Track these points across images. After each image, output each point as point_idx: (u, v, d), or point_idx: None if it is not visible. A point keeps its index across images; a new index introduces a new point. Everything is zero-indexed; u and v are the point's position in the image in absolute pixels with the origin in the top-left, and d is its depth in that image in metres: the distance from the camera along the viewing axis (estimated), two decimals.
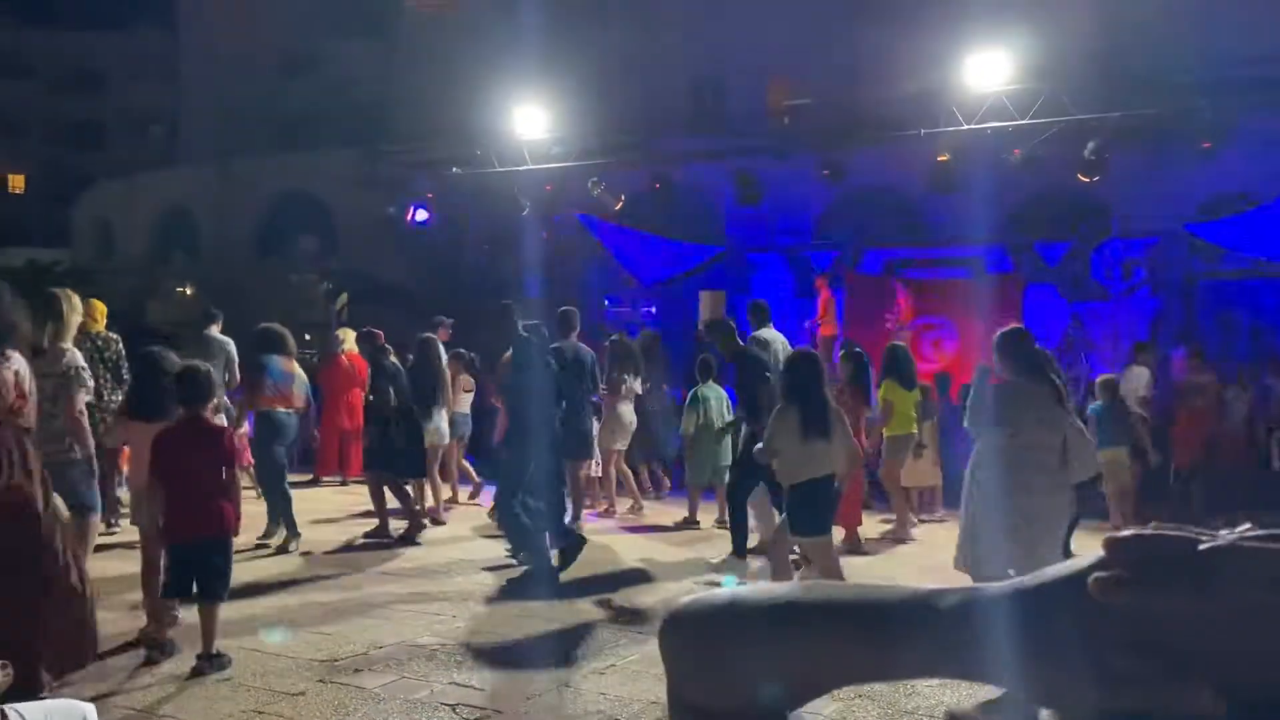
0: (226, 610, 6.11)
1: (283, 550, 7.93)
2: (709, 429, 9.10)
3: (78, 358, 6.05)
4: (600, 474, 9.99)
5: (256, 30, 32.66)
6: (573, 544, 7.29)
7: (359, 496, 11.41)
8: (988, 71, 11.58)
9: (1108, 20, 16.51)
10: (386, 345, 9.16)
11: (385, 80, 27.96)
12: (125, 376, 8.42)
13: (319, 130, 28.29)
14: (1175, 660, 0.53)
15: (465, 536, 8.79)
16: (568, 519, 8.42)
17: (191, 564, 5.12)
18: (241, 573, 7.22)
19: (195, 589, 5.12)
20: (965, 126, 11.91)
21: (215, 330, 9.48)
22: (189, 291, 24.44)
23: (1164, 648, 0.53)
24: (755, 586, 0.74)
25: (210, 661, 5.04)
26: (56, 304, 6.05)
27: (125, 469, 7.74)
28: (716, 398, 9.19)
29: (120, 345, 8.40)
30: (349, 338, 10.96)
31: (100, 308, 8.38)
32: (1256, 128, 11.88)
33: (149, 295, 24.67)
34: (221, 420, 7.64)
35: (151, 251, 26.36)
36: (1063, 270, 14.44)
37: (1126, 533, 0.57)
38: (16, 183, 49.03)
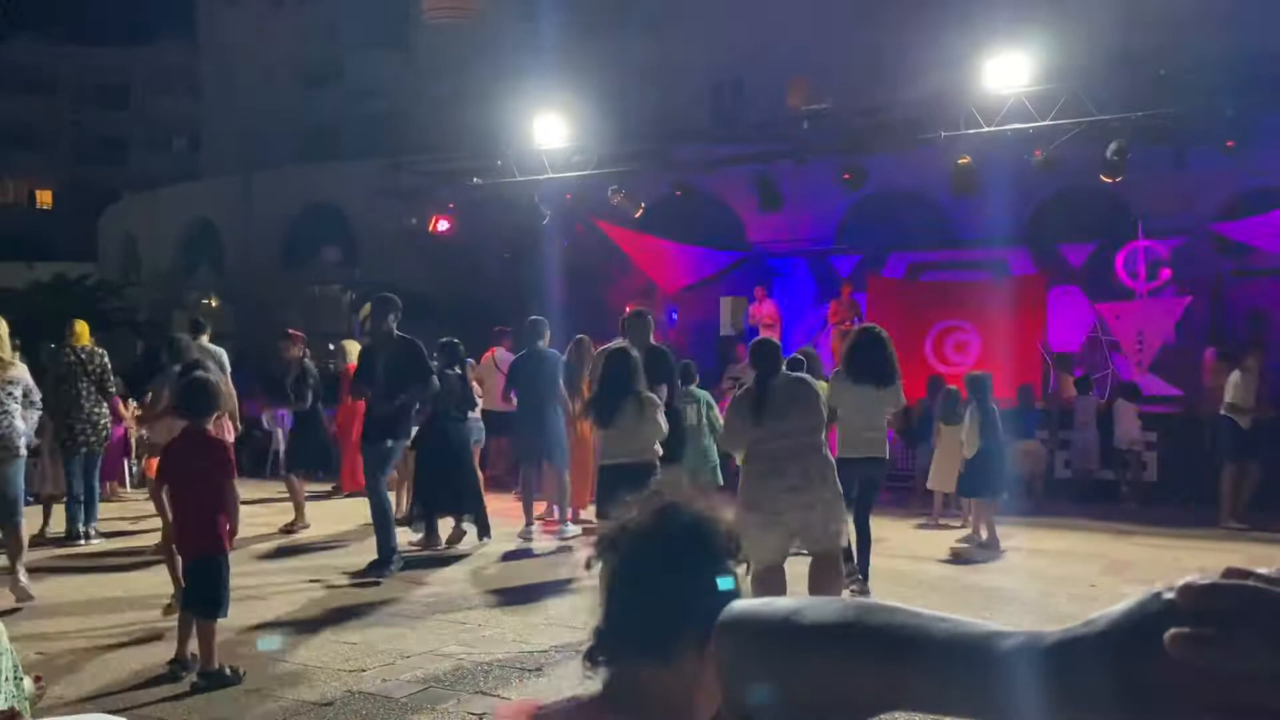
0: (253, 619, 6.17)
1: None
2: (691, 433, 9.17)
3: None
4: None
5: (278, 43, 32.96)
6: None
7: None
8: (1008, 73, 11.53)
9: (1128, 20, 16.41)
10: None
11: (406, 91, 28.12)
12: (111, 389, 8.92)
13: (340, 141, 28.50)
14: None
15: (487, 546, 8.81)
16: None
17: (189, 580, 5.18)
18: (268, 582, 7.29)
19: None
20: (986, 128, 11.85)
21: (204, 340, 9.70)
22: (214, 303, 24.63)
23: (1246, 710, 0.49)
24: (813, 601, 0.74)
25: (209, 678, 4.99)
26: None
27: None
28: (698, 401, 9.30)
29: (105, 359, 8.88)
30: (353, 351, 11.14)
31: (83, 326, 8.99)
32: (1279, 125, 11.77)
33: (174, 307, 24.90)
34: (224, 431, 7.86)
35: (176, 264, 26.60)
36: (1086, 271, 14.35)
37: (1203, 581, 0.52)
38: (44, 198, 49.61)
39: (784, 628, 0.71)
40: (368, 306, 20.76)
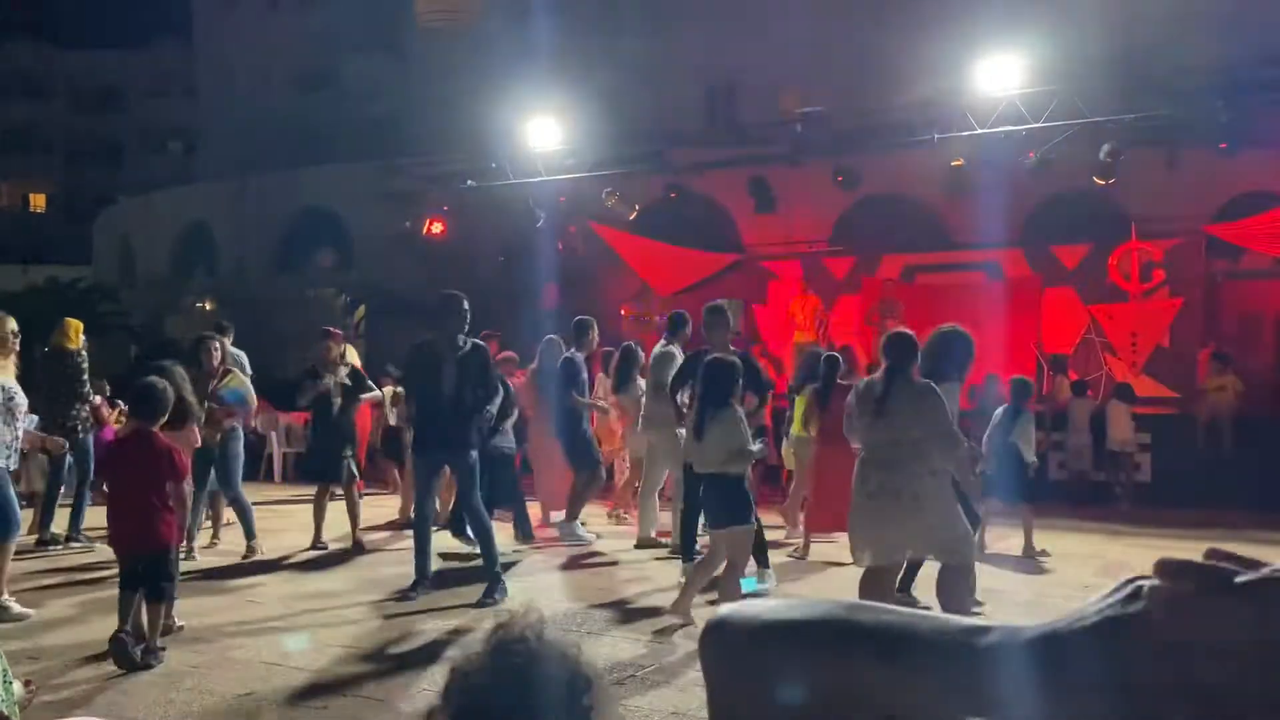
0: (247, 622, 6.16)
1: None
2: None
3: None
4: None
5: (273, 47, 32.95)
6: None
7: (376, 509, 11.46)
8: (1000, 75, 11.55)
9: (1120, 22, 16.44)
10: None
11: (400, 94, 28.11)
12: (83, 390, 8.61)
13: (335, 145, 28.45)
14: (1215, 702, 0.50)
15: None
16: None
17: (135, 574, 5.44)
18: (263, 584, 7.28)
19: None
20: (979, 130, 11.88)
21: (228, 342, 9.55)
22: (209, 307, 24.59)
23: (1205, 689, 0.50)
24: (799, 602, 0.74)
25: (153, 654, 5.33)
26: None
27: None
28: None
29: (78, 360, 8.56)
30: (351, 354, 11.05)
31: (75, 325, 8.71)
32: (1273, 127, 11.80)
33: (169, 311, 24.86)
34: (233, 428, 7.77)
35: (171, 267, 26.57)
36: (1080, 273, 14.38)
37: (1179, 558, 0.54)
38: (38, 201, 49.55)
39: (773, 629, 0.72)
40: (362, 309, 20.78)
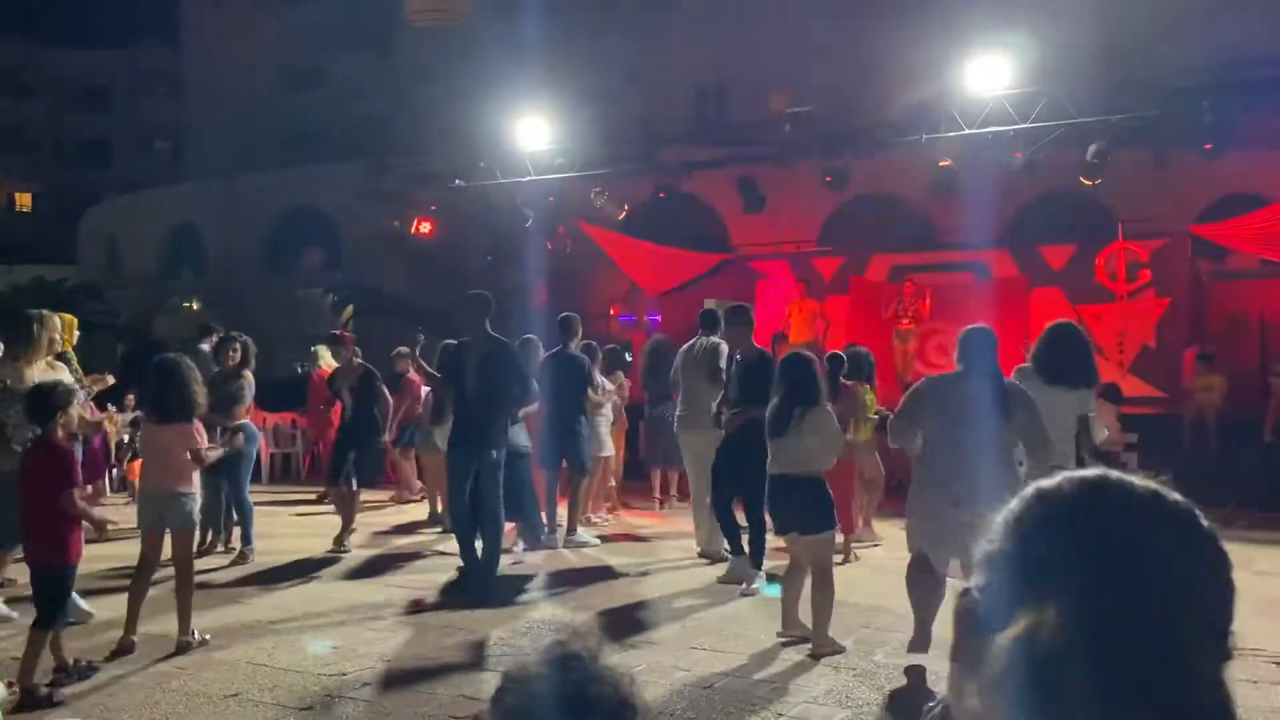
0: (233, 622, 6.14)
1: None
2: None
3: None
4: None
5: (260, 46, 32.82)
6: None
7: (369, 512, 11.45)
8: (989, 76, 11.59)
9: (1107, 23, 16.51)
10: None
11: (388, 94, 28.06)
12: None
13: (323, 144, 28.39)
14: None
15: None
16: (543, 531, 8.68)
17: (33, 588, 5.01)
18: (250, 586, 7.25)
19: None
20: (967, 131, 11.91)
21: (206, 346, 9.52)
22: (196, 306, 24.51)
23: None
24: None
25: (26, 694, 4.72)
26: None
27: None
28: None
29: (70, 361, 8.45)
30: (324, 354, 11.02)
31: (70, 321, 8.51)
32: (1258, 129, 11.86)
33: (156, 310, 24.77)
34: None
35: (158, 267, 26.46)
36: (1067, 273, 14.43)
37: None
38: (24, 200, 49.29)
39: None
40: (350, 309, 20.74)
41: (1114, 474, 0.86)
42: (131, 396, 13.66)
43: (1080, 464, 8.04)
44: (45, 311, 6.59)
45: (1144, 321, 13.73)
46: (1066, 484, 0.84)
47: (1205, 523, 0.81)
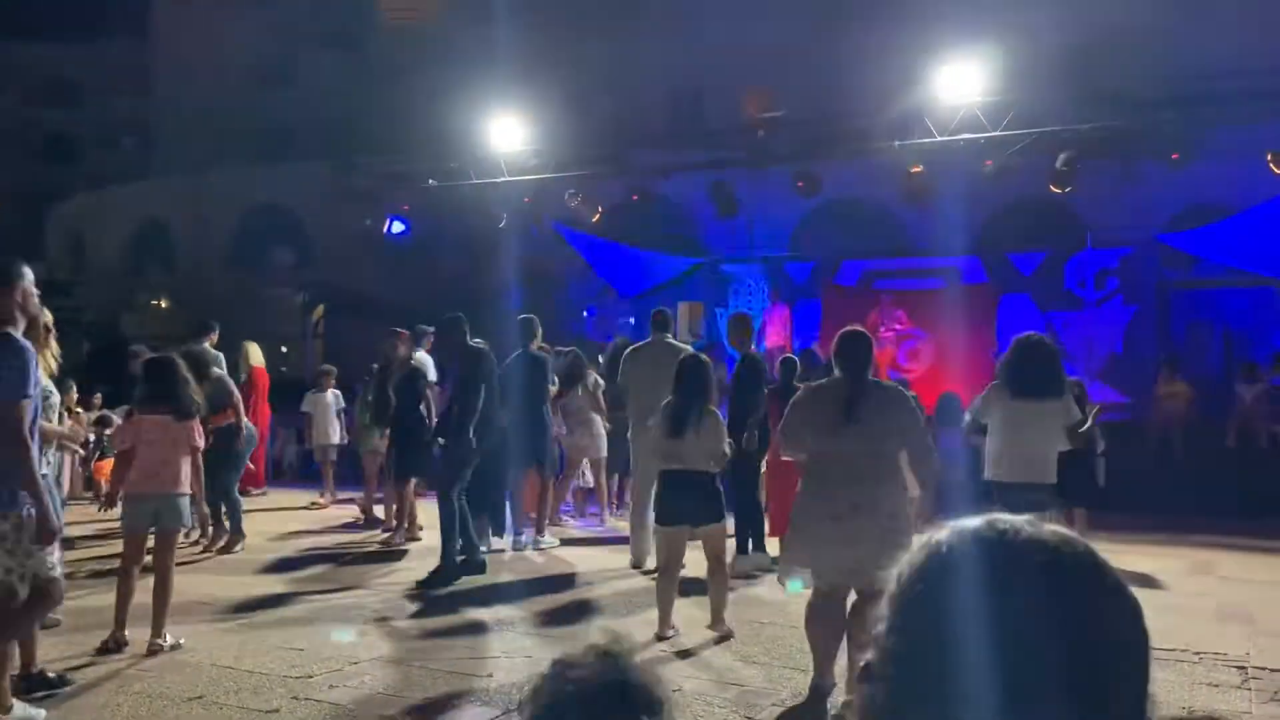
0: (198, 623, 6.07)
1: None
2: None
3: None
4: (591, 484, 10.39)
5: (230, 42, 32.55)
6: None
7: (332, 511, 11.35)
8: (960, 84, 11.68)
9: (1077, 35, 16.69)
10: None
11: (359, 92, 27.91)
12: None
13: (293, 142, 28.20)
14: None
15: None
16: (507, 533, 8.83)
17: None
18: (212, 587, 7.18)
19: None
20: (938, 138, 11.99)
21: (207, 343, 9.45)
22: (163, 304, 24.27)
23: None
24: None
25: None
26: None
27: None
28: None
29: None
30: (254, 353, 10.99)
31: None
32: (1224, 140, 12.04)
33: (123, 308, 24.50)
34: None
35: (125, 264, 26.18)
36: (1036, 280, 14.57)
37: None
38: None
39: None
40: (320, 308, 20.57)
41: (999, 539, 0.81)
42: (99, 395, 13.53)
43: (1089, 469, 8.11)
44: None
45: (1111, 329, 13.89)
46: (950, 554, 0.81)
47: (1105, 577, 0.79)
